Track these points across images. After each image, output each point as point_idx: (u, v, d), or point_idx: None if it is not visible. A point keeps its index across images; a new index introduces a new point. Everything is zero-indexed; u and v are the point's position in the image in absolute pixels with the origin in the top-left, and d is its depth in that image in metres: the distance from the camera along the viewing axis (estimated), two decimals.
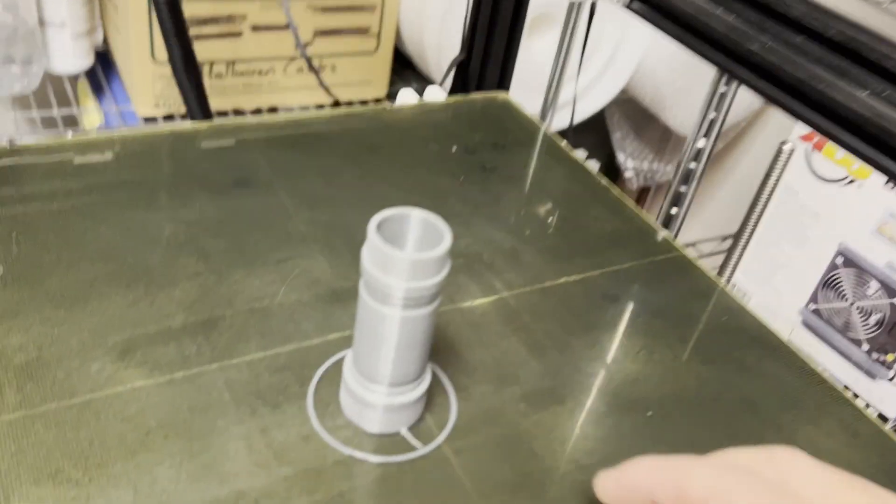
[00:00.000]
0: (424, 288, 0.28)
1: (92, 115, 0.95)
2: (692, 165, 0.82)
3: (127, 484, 0.28)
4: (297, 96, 1.01)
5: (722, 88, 0.76)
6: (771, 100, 0.43)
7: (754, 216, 0.42)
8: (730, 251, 0.43)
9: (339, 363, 0.34)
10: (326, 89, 0.64)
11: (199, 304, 0.36)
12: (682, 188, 0.83)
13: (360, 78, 1.05)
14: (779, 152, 0.39)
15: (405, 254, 0.27)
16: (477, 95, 0.59)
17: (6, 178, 0.41)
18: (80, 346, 0.33)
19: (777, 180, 0.40)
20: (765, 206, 0.41)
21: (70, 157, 0.44)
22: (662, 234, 0.46)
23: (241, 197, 0.43)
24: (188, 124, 0.48)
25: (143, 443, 0.29)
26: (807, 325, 0.77)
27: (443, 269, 0.28)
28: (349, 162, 0.48)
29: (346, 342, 0.35)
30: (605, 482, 0.27)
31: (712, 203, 1.20)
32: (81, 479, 0.28)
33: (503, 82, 0.65)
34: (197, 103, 0.55)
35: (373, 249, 0.28)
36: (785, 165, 0.40)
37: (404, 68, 1.14)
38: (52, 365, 0.32)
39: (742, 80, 0.45)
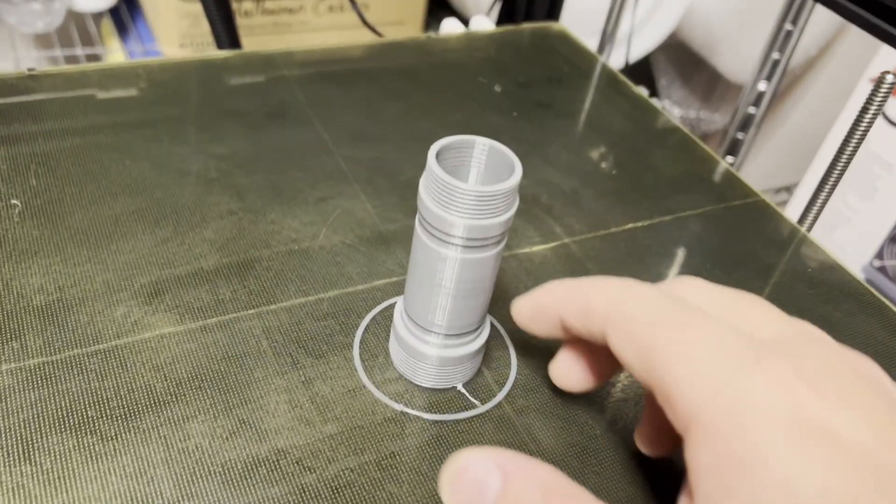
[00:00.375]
0: (490, 227, 0.24)
1: (116, 55, 0.92)
2: (751, 110, 0.77)
3: (157, 439, 0.25)
4: (327, 36, 0.96)
5: (788, 26, 0.70)
6: (868, 28, 0.38)
7: (843, 158, 0.37)
8: (812, 198, 0.39)
9: (388, 311, 0.31)
10: (371, 28, 0.60)
11: (233, 244, 0.33)
12: (740, 135, 0.78)
13: (394, 17, 1.00)
14: (878, 83, 0.35)
15: (469, 186, 0.23)
16: (528, 26, 0.54)
17: (25, 107, 0.38)
18: (105, 287, 0.30)
19: (873, 118, 0.36)
20: (856, 147, 0.36)
21: (92, 88, 0.40)
22: (739, 176, 0.42)
23: (275, 131, 0.40)
24: (218, 53, 0.45)
25: (174, 394, 0.27)
26: (870, 282, 0.72)
27: (511, 206, 0.25)
28: (391, 96, 0.44)
29: (395, 289, 0.32)
30: (520, 303, 0.27)
31: (762, 154, 1.13)
32: (108, 433, 0.25)
33: (553, 14, 0.60)
34: (226, 33, 0.51)
35: (432, 180, 0.24)
36: (884, 101, 0.35)
37: (439, 9, 1.09)
38: (75, 308, 0.29)
39: (834, 8, 0.40)
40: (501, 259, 0.26)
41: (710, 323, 0.20)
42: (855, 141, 0.38)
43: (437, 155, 0.24)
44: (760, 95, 0.75)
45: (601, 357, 0.26)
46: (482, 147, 0.25)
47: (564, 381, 0.27)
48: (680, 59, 1.14)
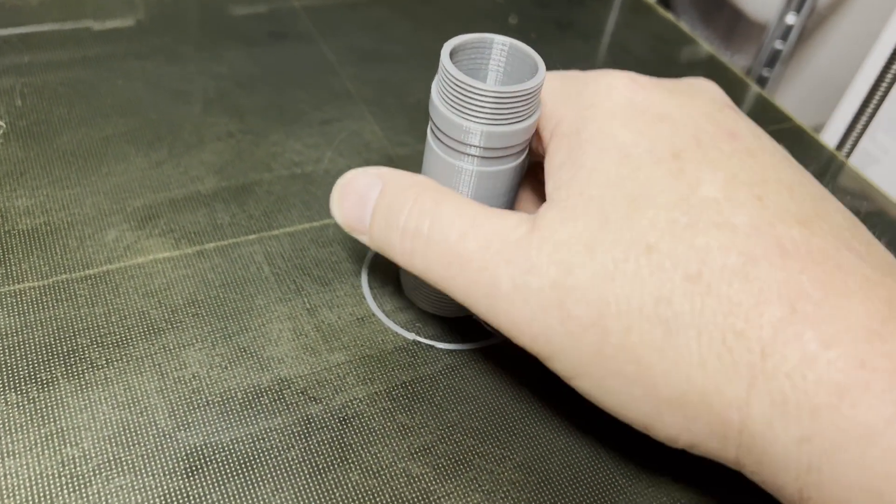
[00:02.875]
0: (510, 134, 0.22)
1: None
2: (778, 45, 0.73)
3: (151, 367, 0.23)
4: None
5: None
6: None
7: (880, 90, 0.35)
8: (845, 134, 0.36)
9: None
10: None
11: (231, 166, 0.31)
12: (766, 71, 0.74)
13: None
14: None
15: (487, 86, 0.21)
16: None
17: (9, 19, 0.36)
18: (95, 210, 0.28)
19: None
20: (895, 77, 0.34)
21: (83, 2, 0.38)
22: (773, 101, 0.39)
23: (277, 50, 0.37)
24: None
25: (169, 321, 0.25)
26: None
27: (535, 111, 0.22)
28: (399, 12, 0.41)
29: None
30: None
31: (786, 95, 1.09)
32: (98, 361, 0.23)
33: None
34: None
35: (445, 81, 0.21)
36: None
37: None
38: (63, 231, 0.27)
39: None
40: (522, 178, 0.24)
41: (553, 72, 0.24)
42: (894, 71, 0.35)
43: (451, 55, 0.22)
44: (788, 29, 0.71)
45: None
46: (501, 46, 0.23)
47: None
48: None
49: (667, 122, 0.20)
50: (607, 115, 0.20)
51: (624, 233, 0.18)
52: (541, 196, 0.26)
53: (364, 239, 0.23)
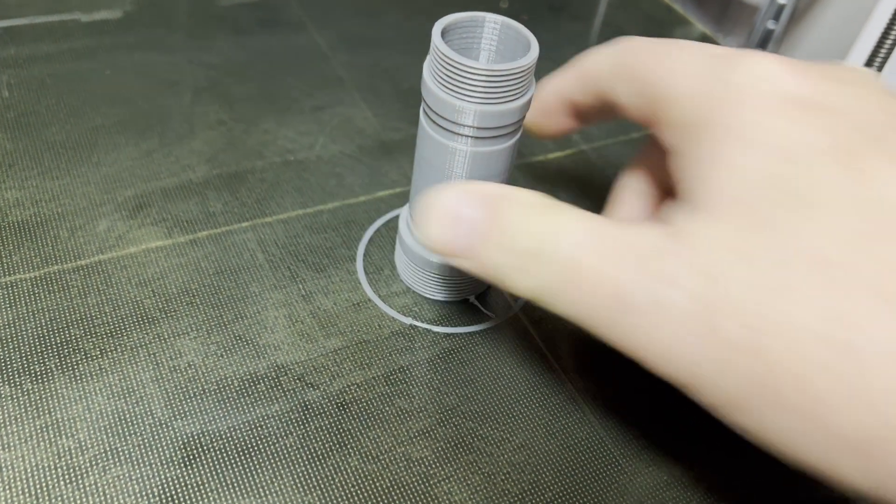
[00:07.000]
0: (504, 113, 0.21)
1: None
2: (771, 25, 0.72)
3: (146, 357, 0.23)
4: None
5: None
6: None
7: (874, 66, 0.34)
8: None
9: (392, 223, 0.29)
10: None
11: (223, 154, 0.30)
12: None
13: None
14: None
15: (480, 65, 0.21)
16: None
17: None
18: (86, 201, 0.28)
19: None
20: (888, 53, 0.34)
21: None
22: None
23: (267, 37, 0.37)
24: None
25: (163, 311, 0.24)
26: None
27: (529, 89, 0.22)
28: None
29: (399, 201, 0.30)
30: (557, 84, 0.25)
31: None
32: (92, 351, 0.23)
33: None
34: None
35: (437, 60, 0.21)
36: None
37: None
38: (53, 222, 0.27)
39: None
40: (514, 164, 0.24)
41: (693, 43, 0.21)
42: (886, 47, 0.35)
43: (443, 34, 0.22)
44: (780, 9, 0.71)
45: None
46: (493, 25, 0.23)
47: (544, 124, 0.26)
48: None
49: (833, 114, 0.17)
50: (761, 105, 0.18)
51: (787, 239, 0.16)
52: (657, 190, 0.24)
53: (468, 265, 0.20)
